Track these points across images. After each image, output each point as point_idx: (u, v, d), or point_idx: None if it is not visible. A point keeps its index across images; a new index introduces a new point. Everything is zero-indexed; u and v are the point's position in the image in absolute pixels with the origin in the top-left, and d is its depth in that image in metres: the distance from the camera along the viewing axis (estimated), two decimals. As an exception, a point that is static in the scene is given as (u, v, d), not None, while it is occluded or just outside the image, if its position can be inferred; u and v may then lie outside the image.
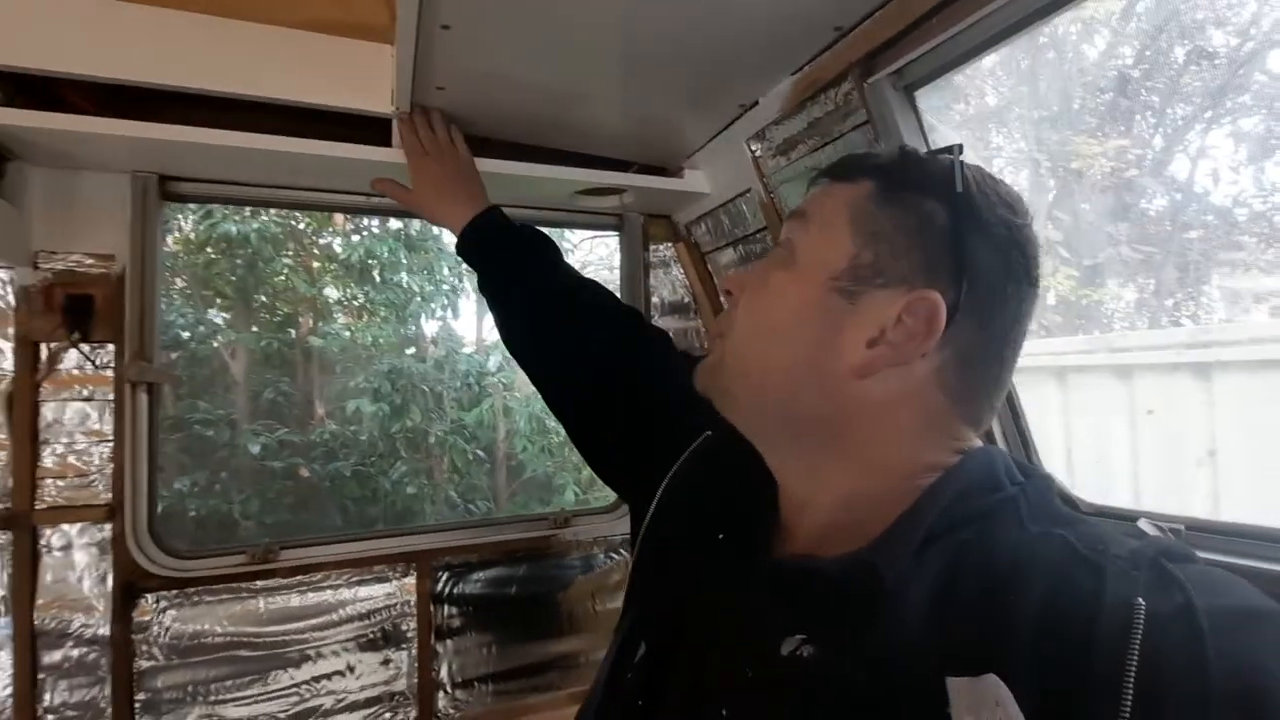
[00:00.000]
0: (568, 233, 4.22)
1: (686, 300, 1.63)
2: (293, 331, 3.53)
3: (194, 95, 1.10)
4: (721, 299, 0.63)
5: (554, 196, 1.42)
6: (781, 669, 0.45)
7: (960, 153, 0.52)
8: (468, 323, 3.96)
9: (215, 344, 3.27)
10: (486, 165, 1.22)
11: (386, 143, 1.16)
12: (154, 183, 1.20)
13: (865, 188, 0.53)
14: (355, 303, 3.57)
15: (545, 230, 1.08)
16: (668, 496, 0.67)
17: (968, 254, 0.49)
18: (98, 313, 1.18)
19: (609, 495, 1.65)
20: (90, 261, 1.19)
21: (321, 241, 3.44)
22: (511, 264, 0.99)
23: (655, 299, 1.60)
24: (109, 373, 1.20)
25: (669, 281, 1.63)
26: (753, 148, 1.23)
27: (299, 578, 1.30)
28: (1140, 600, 0.37)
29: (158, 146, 1.09)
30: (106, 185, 1.18)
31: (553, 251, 1.02)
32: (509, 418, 3.80)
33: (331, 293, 3.57)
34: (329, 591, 1.32)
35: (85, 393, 1.19)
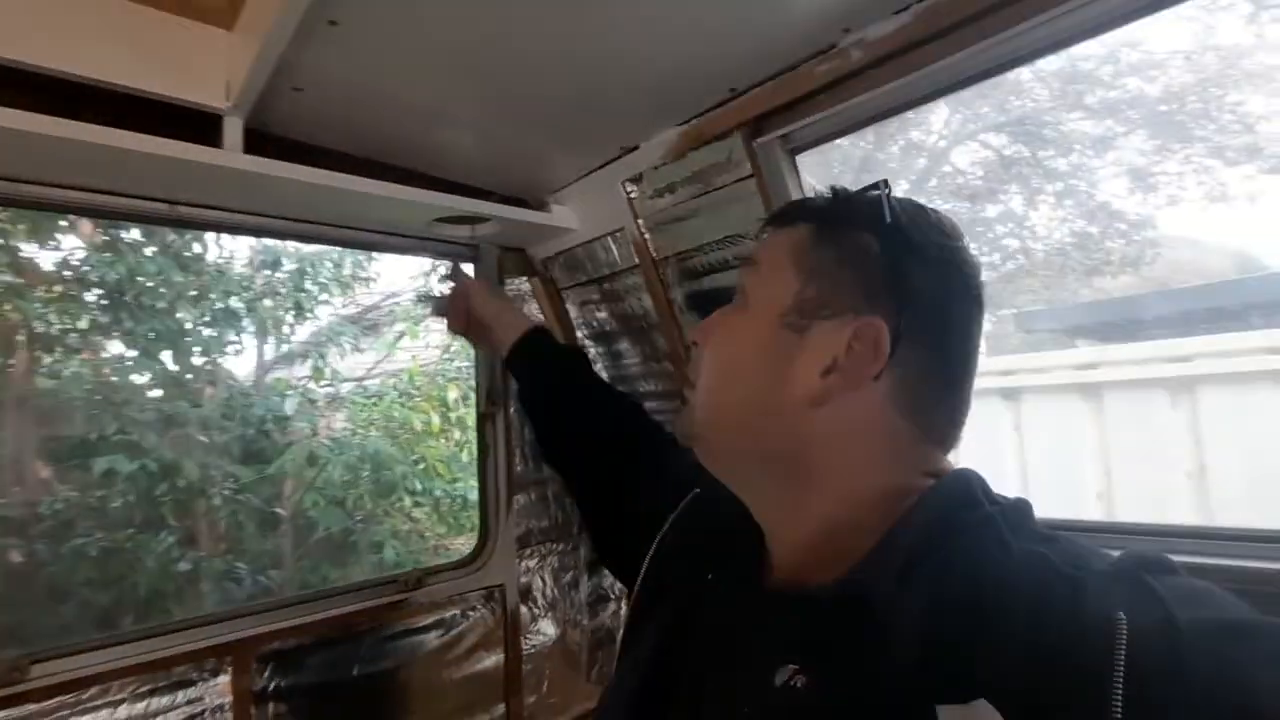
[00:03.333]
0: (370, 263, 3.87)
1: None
2: (5, 369, 2.67)
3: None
4: (691, 350, 0.66)
5: (407, 222, 1.29)
6: (776, 701, 0.45)
7: (887, 187, 0.56)
8: (241, 361, 3.37)
9: None
10: (337, 181, 1.07)
11: (212, 142, 0.96)
12: None
13: (804, 230, 0.57)
14: (109, 330, 2.80)
15: (395, 257, 1.00)
16: (662, 548, 0.69)
17: (904, 278, 0.53)
18: None
19: (454, 553, 1.51)
20: None
21: (48, 254, 2.66)
22: (557, 379, 1.08)
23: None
24: None
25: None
26: (628, 189, 1.25)
27: (58, 699, 0.96)
28: (1121, 616, 0.37)
29: None
30: None
31: (587, 362, 1.13)
32: (317, 467, 3.27)
33: (66, 321, 2.76)
34: (105, 712, 1.00)
35: None
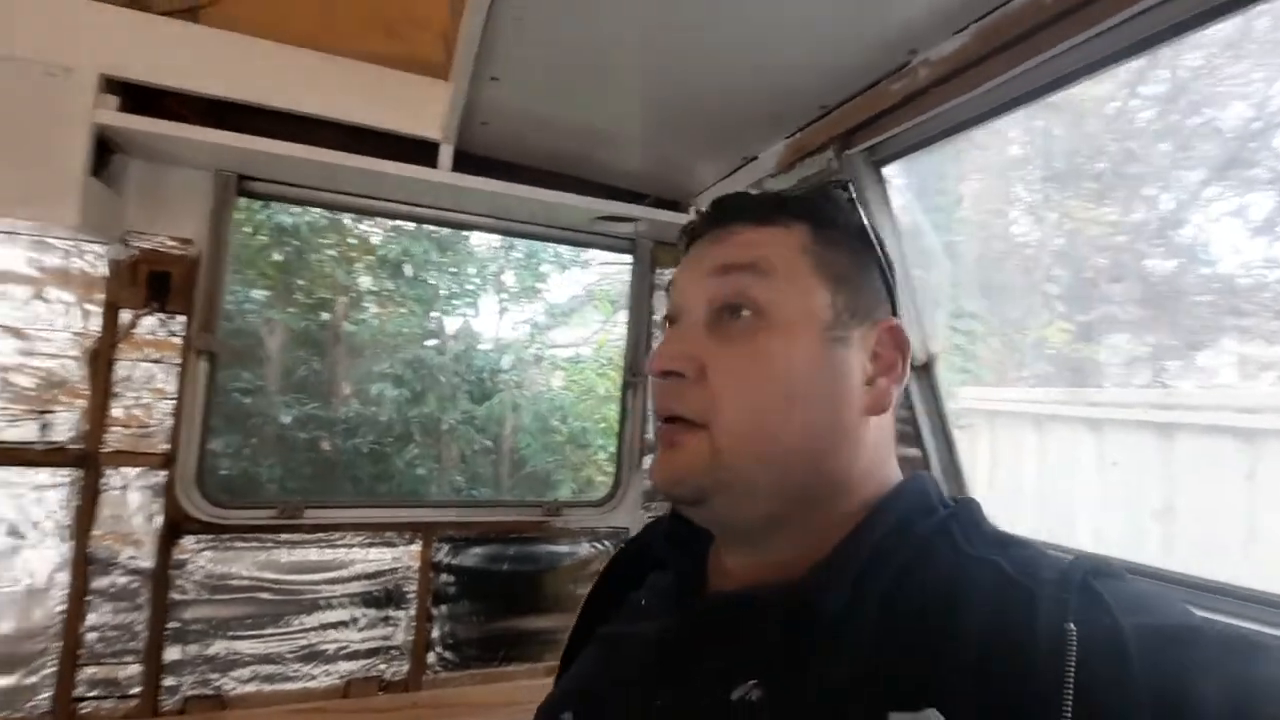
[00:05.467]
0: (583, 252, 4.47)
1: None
2: (326, 315, 3.81)
3: (275, 111, 1.30)
4: (659, 382, 0.53)
5: (575, 220, 1.59)
6: (731, 716, 0.44)
7: (848, 190, 0.55)
8: (489, 321, 4.26)
9: (258, 321, 3.53)
10: (519, 190, 1.40)
11: (431, 163, 1.35)
12: (233, 180, 1.39)
13: (801, 230, 0.52)
14: (386, 294, 3.86)
15: (564, 249, 1.26)
16: (593, 594, 0.67)
17: (889, 278, 0.55)
18: (174, 288, 1.37)
19: (601, 492, 1.81)
20: (171, 243, 1.38)
21: (359, 229, 3.73)
22: None
23: (656, 316, 1.77)
24: (178, 340, 1.38)
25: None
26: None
27: (319, 535, 1.47)
28: (1071, 626, 0.37)
29: (239, 151, 1.28)
30: (192, 179, 1.37)
31: None
32: (516, 414, 4.03)
33: (365, 282, 3.85)
34: (343, 550, 1.49)
35: (155, 356, 1.38)
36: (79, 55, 1.13)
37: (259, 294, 3.56)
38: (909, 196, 1.38)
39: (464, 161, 1.39)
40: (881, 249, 0.55)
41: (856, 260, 0.53)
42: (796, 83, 1.05)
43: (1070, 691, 0.35)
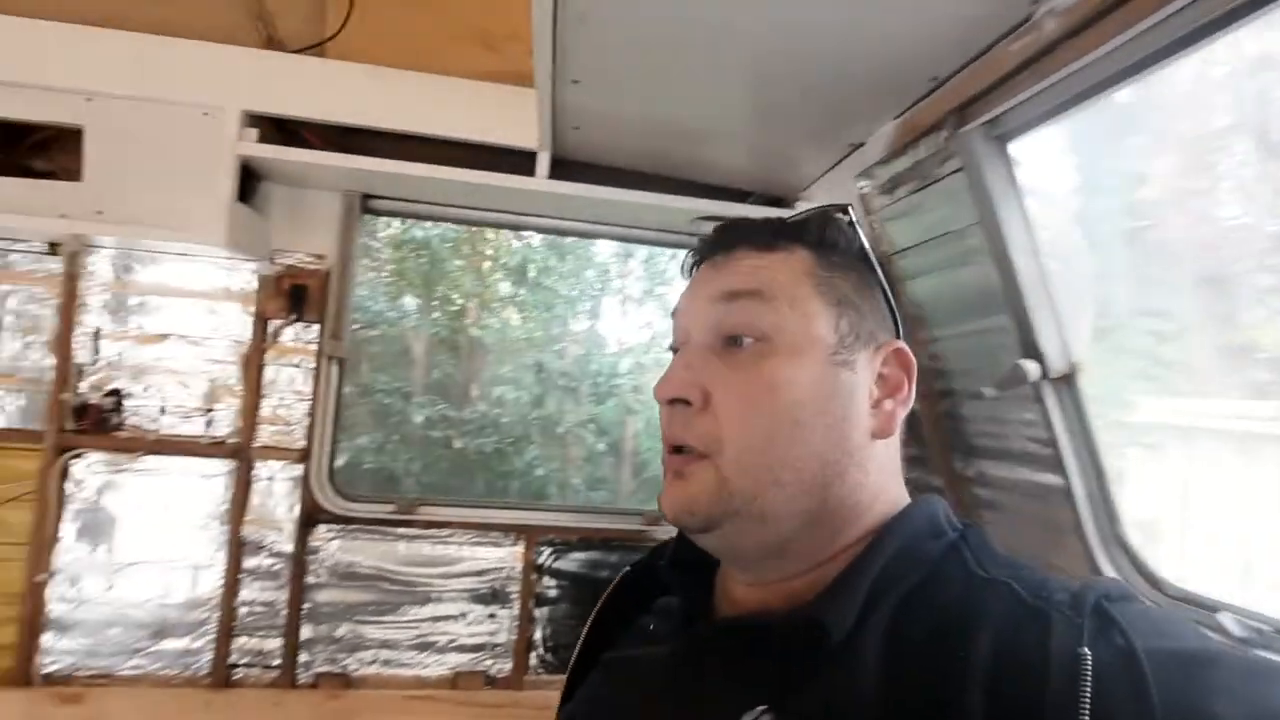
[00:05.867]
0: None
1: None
2: (457, 321, 4.14)
3: (392, 133, 1.39)
4: (666, 409, 0.53)
5: (674, 222, 1.55)
6: None
7: (849, 214, 0.55)
8: (610, 325, 4.36)
9: (401, 328, 3.91)
10: (613, 194, 1.39)
11: (531, 172, 1.37)
12: (357, 200, 1.51)
13: (804, 255, 0.53)
14: (510, 300, 4.11)
15: (666, 250, 1.23)
16: (597, 619, 0.65)
17: (890, 300, 0.55)
18: (310, 299, 1.51)
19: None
20: (308, 259, 1.52)
21: (486, 238, 4.00)
22: None
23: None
24: (313, 347, 1.53)
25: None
26: (860, 184, 1.27)
27: (431, 531, 1.55)
28: (1086, 651, 0.37)
29: (362, 172, 1.39)
30: (323, 200, 1.51)
31: None
32: (634, 418, 4.09)
33: (496, 290, 4.14)
34: (454, 546, 1.56)
35: (294, 361, 1.53)
36: (224, 95, 1.28)
37: (402, 302, 3.94)
38: (1065, 174, 1.18)
39: (565, 168, 1.40)
40: (883, 271, 0.55)
41: (859, 283, 0.53)
42: (900, 52, 0.93)
43: (1086, 716, 0.35)
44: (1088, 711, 0.35)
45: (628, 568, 0.66)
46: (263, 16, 1.32)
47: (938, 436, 1.31)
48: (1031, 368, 0.91)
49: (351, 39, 1.36)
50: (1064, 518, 1.00)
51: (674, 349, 0.56)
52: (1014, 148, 0.93)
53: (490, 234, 3.88)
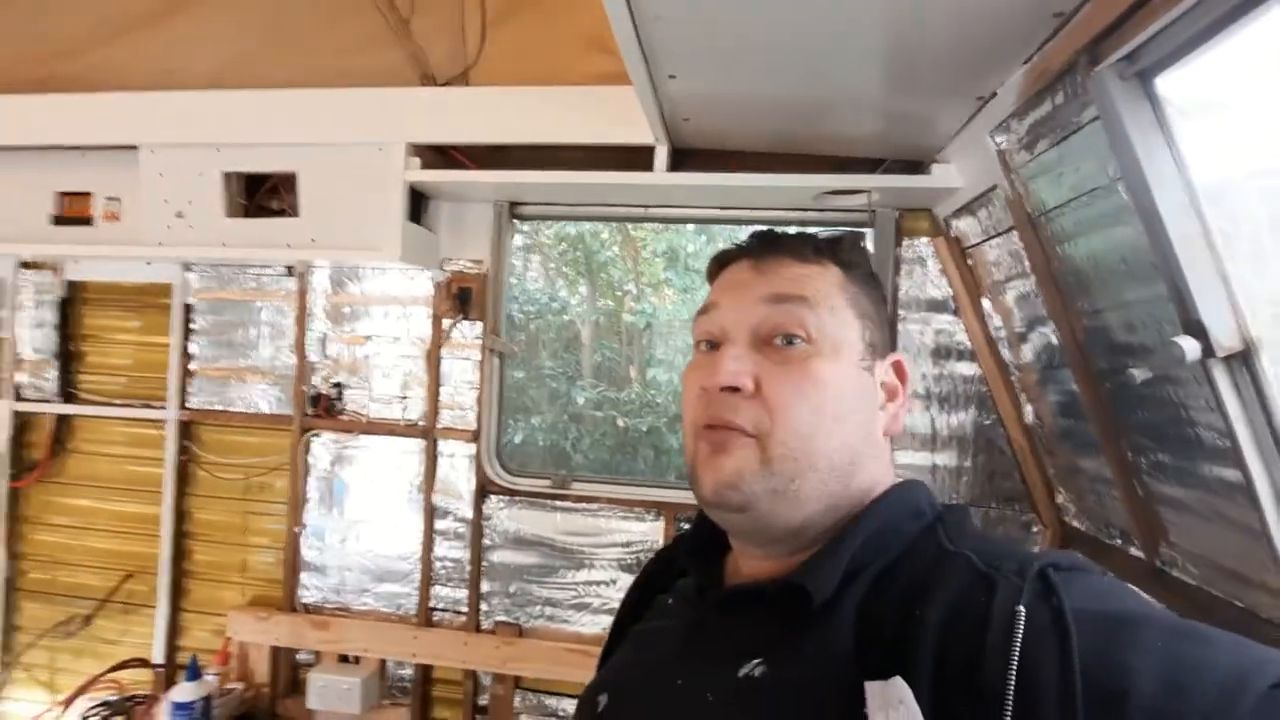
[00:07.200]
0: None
1: (943, 297, 1.56)
2: (613, 307, 4.36)
3: (530, 146, 1.54)
4: (715, 395, 0.55)
5: (798, 200, 1.52)
6: (738, 689, 0.50)
7: (862, 240, 0.67)
8: None
9: (570, 315, 4.24)
10: (729, 179, 1.41)
11: (649, 167, 1.44)
12: (506, 208, 1.69)
13: (836, 271, 0.59)
14: (665, 284, 4.21)
15: (793, 230, 1.23)
16: (627, 600, 0.74)
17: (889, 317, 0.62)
18: (473, 300, 1.73)
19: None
20: (470, 264, 1.74)
21: (631, 229, 4.16)
22: None
23: (906, 296, 1.57)
24: (478, 342, 1.75)
25: (925, 279, 1.57)
26: (997, 140, 1.15)
27: (583, 504, 1.71)
28: (1021, 608, 0.41)
29: (507, 184, 1.55)
30: (478, 211, 1.71)
31: None
32: None
33: (650, 275, 4.27)
34: (602, 519, 1.71)
35: (464, 355, 1.77)
36: (392, 131, 1.51)
37: (565, 293, 4.25)
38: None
39: (686, 158, 1.45)
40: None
41: (876, 300, 0.61)
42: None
43: (1014, 670, 0.39)
44: (1016, 664, 0.39)
45: (653, 556, 0.76)
46: (416, 55, 1.52)
47: (1102, 423, 1.15)
48: (1189, 345, 0.77)
49: (488, 63, 1.52)
50: (1250, 520, 0.84)
51: (709, 342, 0.60)
52: (1162, 84, 0.79)
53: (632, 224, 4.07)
